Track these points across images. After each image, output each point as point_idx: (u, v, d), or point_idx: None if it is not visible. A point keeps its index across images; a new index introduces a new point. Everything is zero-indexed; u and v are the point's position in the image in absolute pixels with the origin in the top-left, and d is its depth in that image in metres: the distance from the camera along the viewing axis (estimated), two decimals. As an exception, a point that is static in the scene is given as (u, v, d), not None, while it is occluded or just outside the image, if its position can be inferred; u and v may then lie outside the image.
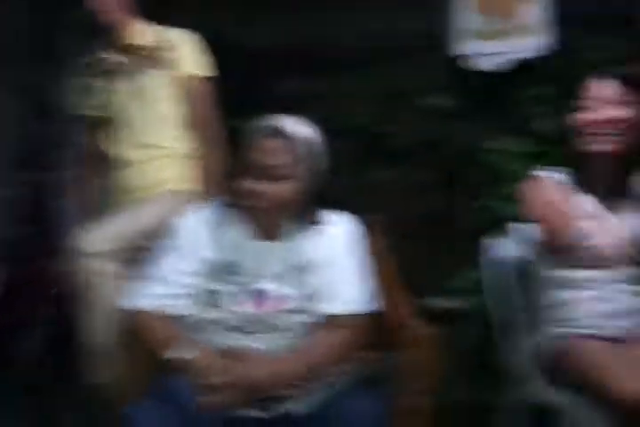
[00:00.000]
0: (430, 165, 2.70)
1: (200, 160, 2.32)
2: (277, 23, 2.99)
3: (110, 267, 1.97)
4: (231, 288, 1.61)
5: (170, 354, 1.49)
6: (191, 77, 2.32)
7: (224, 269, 1.62)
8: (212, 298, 1.61)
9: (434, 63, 2.76)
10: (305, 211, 1.63)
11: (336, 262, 1.62)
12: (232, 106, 2.36)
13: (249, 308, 1.59)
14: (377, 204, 2.33)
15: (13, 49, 4.15)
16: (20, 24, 3.83)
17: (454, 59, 2.68)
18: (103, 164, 2.46)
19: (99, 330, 1.96)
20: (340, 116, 2.80)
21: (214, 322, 1.61)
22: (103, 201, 2.36)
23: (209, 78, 2.37)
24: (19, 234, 2.74)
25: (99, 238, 1.98)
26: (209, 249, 1.62)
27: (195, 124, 2.33)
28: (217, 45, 2.35)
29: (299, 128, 1.62)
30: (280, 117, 1.63)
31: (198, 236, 1.64)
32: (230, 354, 1.53)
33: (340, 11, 2.88)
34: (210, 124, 2.33)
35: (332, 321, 1.58)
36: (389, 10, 2.83)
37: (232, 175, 1.66)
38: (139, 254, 2.05)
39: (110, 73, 2.34)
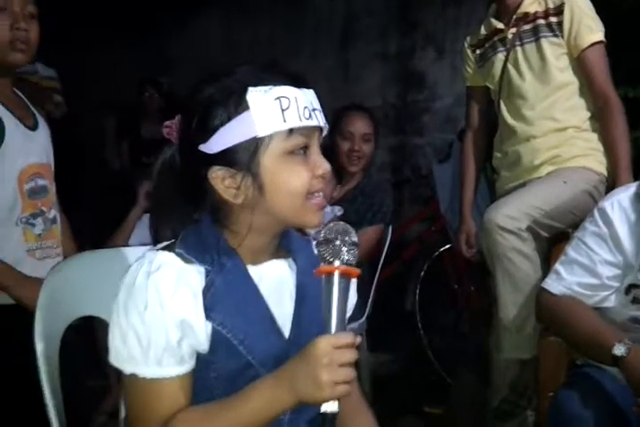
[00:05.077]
0: None
1: (598, 134, 2.20)
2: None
3: (521, 244, 1.98)
4: None
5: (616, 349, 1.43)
6: (583, 42, 2.17)
7: None
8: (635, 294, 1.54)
9: None
10: None
11: None
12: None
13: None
14: None
15: (378, 20, 4.36)
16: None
17: None
18: (486, 137, 2.49)
19: (511, 305, 2.00)
20: None
21: (636, 320, 1.55)
22: (500, 175, 2.37)
23: (601, 42, 2.20)
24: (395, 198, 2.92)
25: (509, 214, 1.99)
26: (630, 241, 1.53)
27: (591, 93, 2.20)
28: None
29: None
30: None
31: (618, 226, 1.55)
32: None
33: None
34: (606, 93, 2.17)
35: None
36: None
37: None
38: (544, 233, 2.04)
39: (501, 43, 2.31)
